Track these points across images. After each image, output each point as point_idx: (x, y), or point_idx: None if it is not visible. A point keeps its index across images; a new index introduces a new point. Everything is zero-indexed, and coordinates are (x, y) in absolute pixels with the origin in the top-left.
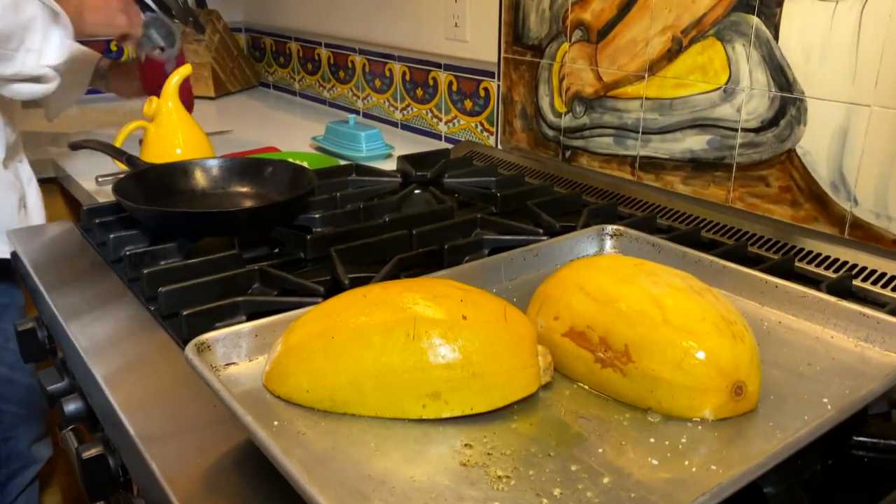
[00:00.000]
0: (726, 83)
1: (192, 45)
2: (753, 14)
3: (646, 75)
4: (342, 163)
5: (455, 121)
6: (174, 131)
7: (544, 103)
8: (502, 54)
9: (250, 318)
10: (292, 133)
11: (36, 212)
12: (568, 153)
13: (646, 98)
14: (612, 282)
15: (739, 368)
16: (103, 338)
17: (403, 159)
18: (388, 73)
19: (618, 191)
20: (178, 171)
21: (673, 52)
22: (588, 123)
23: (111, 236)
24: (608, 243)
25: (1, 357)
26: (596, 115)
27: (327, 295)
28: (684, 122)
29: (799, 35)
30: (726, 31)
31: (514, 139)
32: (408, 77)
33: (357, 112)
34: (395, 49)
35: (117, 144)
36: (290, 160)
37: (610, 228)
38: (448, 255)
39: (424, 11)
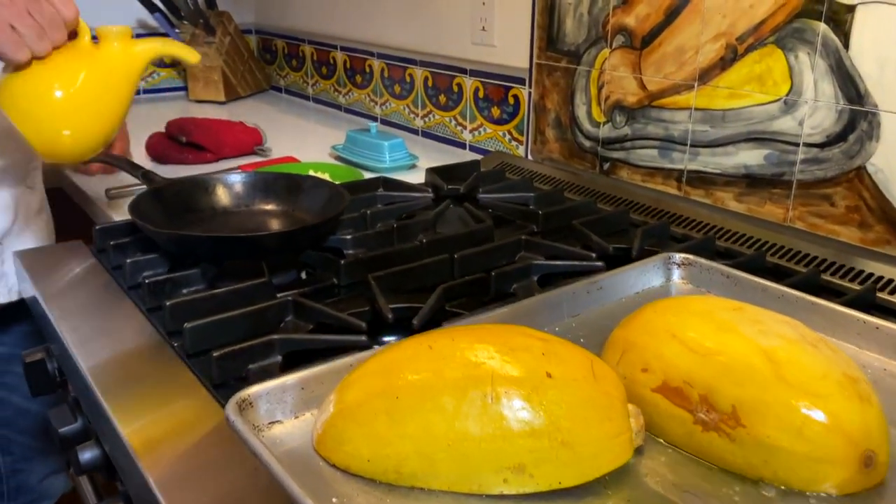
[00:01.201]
0: (787, 94)
1: (202, 48)
2: (820, 20)
3: (695, 84)
4: (366, 175)
5: (481, 129)
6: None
7: (581, 112)
8: (535, 60)
9: (286, 357)
10: (308, 140)
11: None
12: (606, 165)
13: (695, 109)
14: (711, 330)
15: (869, 435)
16: (120, 377)
17: (433, 172)
18: (408, 79)
19: (663, 207)
20: (198, 188)
21: (727, 61)
22: (629, 134)
23: (128, 261)
24: (676, 273)
25: (16, 385)
26: (639, 125)
27: (371, 331)
28: (738, 136)
29: (873, 44)
30: (788, 39)
31: (546, 149)
32: (430, 83)
33: (375, 118)
34: (416, 53)
35: None
36: (316, 174)
37: (678, 257)
38: (495, 283)
39: (449, 15)
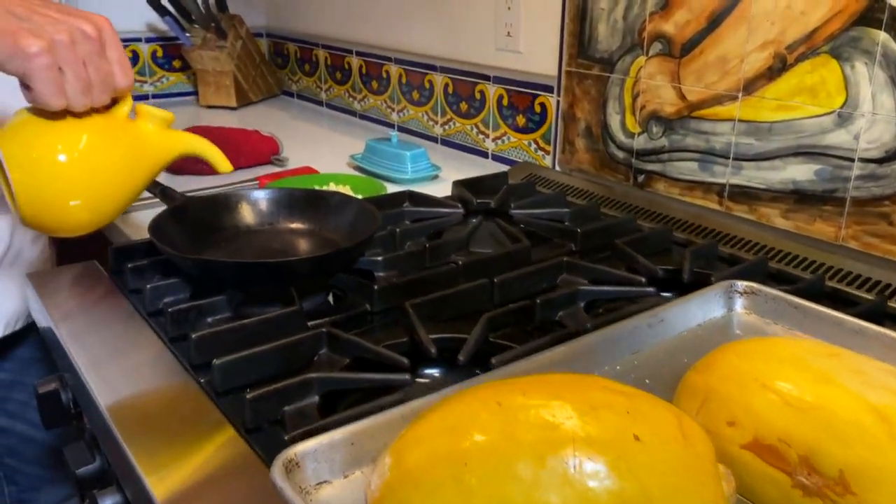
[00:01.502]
0: (842, 107)
1: (213, 52)
2: (880, 29)
3: (739, 95)
4: (387, 187)
5: (504, 138)
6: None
7: (614, 122)
8: (564, 67)
9: (324, 398)
10: (324, 149)
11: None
12: (641, 177)
13: (739, 120)
14: (807, 381)
15: None
16: (143, 416)
17: (460, 185)
18: (427, 85)
19: (703, 222)
20: (221, 206)
21: (775, 71)
22: (667, 146)
23: (148, 287)
24: (738, 303)
25: (20, 413)
26: (677, 136)
27: (413, 366)
28: (786, 149)
29: None
30: (844, 48)
31: (576, 160)
32: (450, 89)
33: (391, 125)
34: (436, 59)
35: None
36: (337, 186)
37: (740, 285)
38: (540, 311)
39: (471, 19)
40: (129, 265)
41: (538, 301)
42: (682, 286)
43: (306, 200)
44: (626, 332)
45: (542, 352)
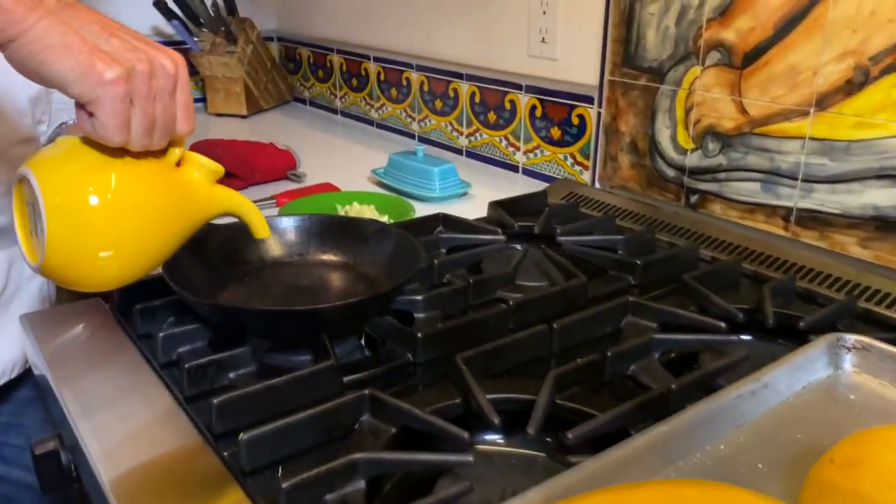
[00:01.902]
0: None
1: (223, 58)
2: None
3: (811, 110)
4: (410, 203)
5: (537, 151)
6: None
7: (663, 137)
8: (607, 77)
9: (371, 484)
10: (342, 161)
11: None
12: (694, 198)
13: (810, 138)
14: None
15: None
16: (150, 492)
17: (498, 207)
18: (452, 94)
19: (766, 249)
20: (244, 235)
21: (855, 84)
22: (724, 164)
23: (160, 335)
24: (846, 360)
25: (16, 458)
26: (736, 154)
27: (462, 426)
28: (867, 171)
29: None
30: None
31: (618, 176)
32: (477, 98)
33: (412, 136)
34: (462, 66)
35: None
36: (361, 206)
37: (849, 340)
38: (611, 365)
39: (502, 24)
40: (139, 306)
41: (609, 354)
42: (761, 328)
43: (339, 229)
44: (729, 404)
45: (639, 435)
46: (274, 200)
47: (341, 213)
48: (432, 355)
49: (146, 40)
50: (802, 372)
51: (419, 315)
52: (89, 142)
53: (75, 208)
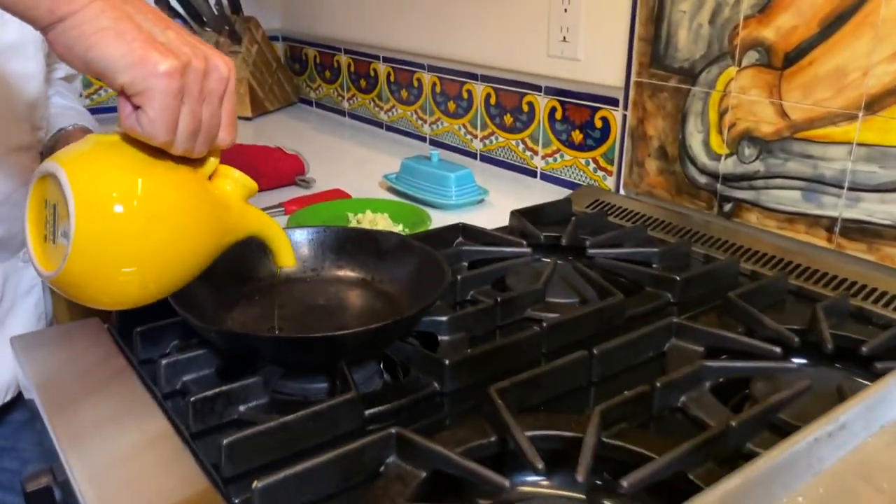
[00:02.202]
0: None
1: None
2: None
3: (860, 114)
4: (431, 214)
5: (557, 155)
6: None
7: (695, 141)
8: (633, 77)
9: None
10: (351, 166)
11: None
12: (727, 206)
13: (857, 144)
14: None
15: None
16: None
17: (520, 216)
18: (465, 95)
19: (810, 263)
20: (254, 250)
21: None
22: (762, 171)
23: (163, 362)
24: None
25: (13, 485)
26: (776, 160)
27: (495, 465)
28: None
29: None
30: None
31: (645, 183)
32: (493, 100)
33: (423, 139)
34: (477, 66)
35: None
36: (375, 214)
37: None
38: (660, 397)
39: (520, 21)
40: (140, 329)
41: (658, 385)
42: (816, 352)
43: (356, 243)
44: (806, 449)
45: (709, 491)
46: (282, 208)
47: (353, 221)
48: (461, 384)
49: (199, 39)
50: (879, 409)
51: (444, 338)
52: (126, 141)
53: (107, 212)
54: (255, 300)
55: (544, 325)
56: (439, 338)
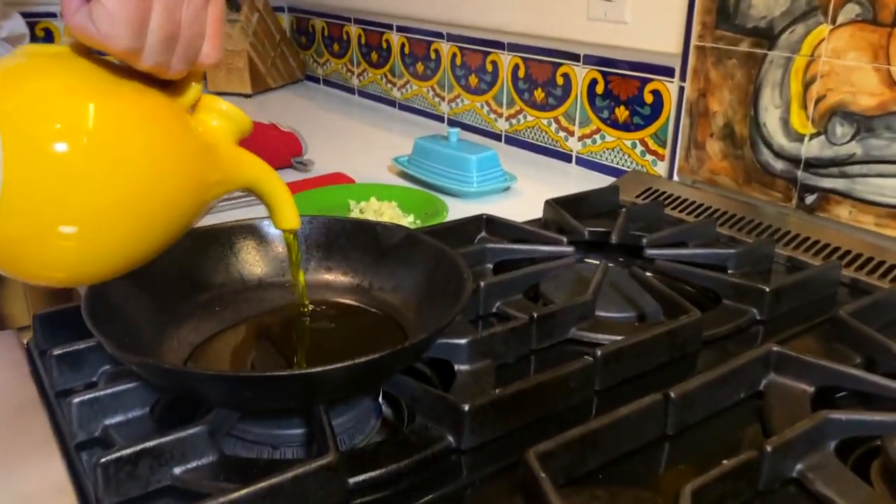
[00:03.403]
0: None
1: (224, 28)
2: None
3: None
4: (448, 203)
5: (596, 136)
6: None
7: (770, 118)
8: (694, 41)
9: None
10: (356, 147)
11: None
12: (810, 198)
13: None
14: None
15: None
16: None
17: (557, 207)
18: (490, 68)
19: None
20: (211, 246)
21: None
22: (859, 154)
23: (75, 401)
24: None
25: None
26: (878, 141)
27: None
28: None
29: None
30: None
31: (706, 169)
32: (521, 72)
33: (441, 118)
34: (503, 34)
35: None
36: (381, 202)
37: None
38: (770, 466)
39: None
40: (57, 351)
41: (768, 450)
42: None
43: (351, 237)
44: None
45: None
46: None
47: (355, 211)
48: (486, 438)
49: None
50: None
51: (462, 367)
52: (76, 52)
53: (45, 151)
54: (213, 312)
55: (598, 354)
56: (456, 367)
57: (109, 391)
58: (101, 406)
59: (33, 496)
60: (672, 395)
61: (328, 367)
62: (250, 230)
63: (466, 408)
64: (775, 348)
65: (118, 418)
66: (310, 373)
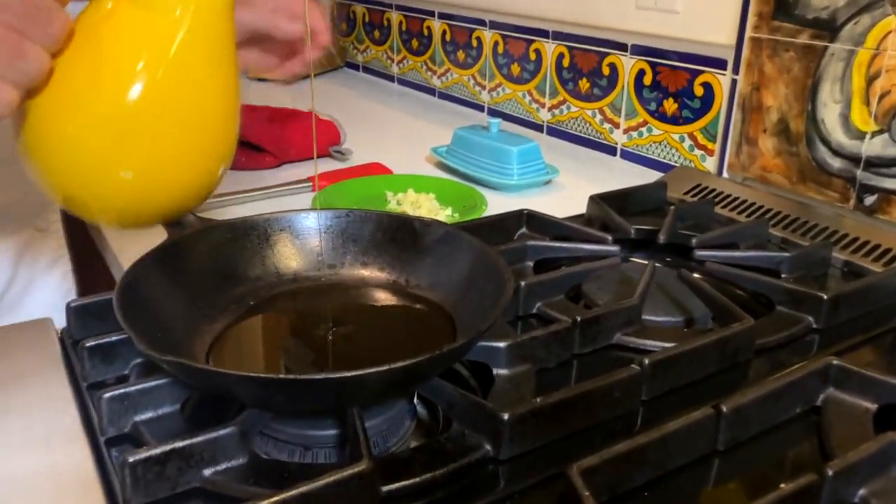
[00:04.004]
0: None
1: None
2: None
3: None
4: (486, 196)
5: (643, 129)
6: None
7: (829, 114)
8: (748, 32)
9: None
10: (395, 137)
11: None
12: (870, 199)
13: None
14: None
15: None
16: None
17: (602, 203)
18: (533, 56)
19: None
20: (246, 239)
21: None
22: None
23: (105, 395)
24: None
25: None
26: None
27: None
28: None
29: None
30: None
31: (757, 166)
32: (566, 62)
33: (481, 108)
34: (548, 21)
35: None
36: (418, 194)
37: None
38: (832, 489)
39: None
40: (89, 343)
41: (829, 474)
42: None
43: (390, 232)
44: None
45: None
46: (309, 184)
47: (392, 203)
48: (525, 448)
49: None
50: None
51: (501, 371)
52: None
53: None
54: (248, 306)
55: (647, 362)
56: (495, 371)
57: (139, 387)
58: (132, 402)
59: (60, 489)
60: (724, 408)
61: (361, 372)
62: (286, 222)
63: (506, 416)
64: (835, 361)
65: (148, 414)
66: (343, 377)
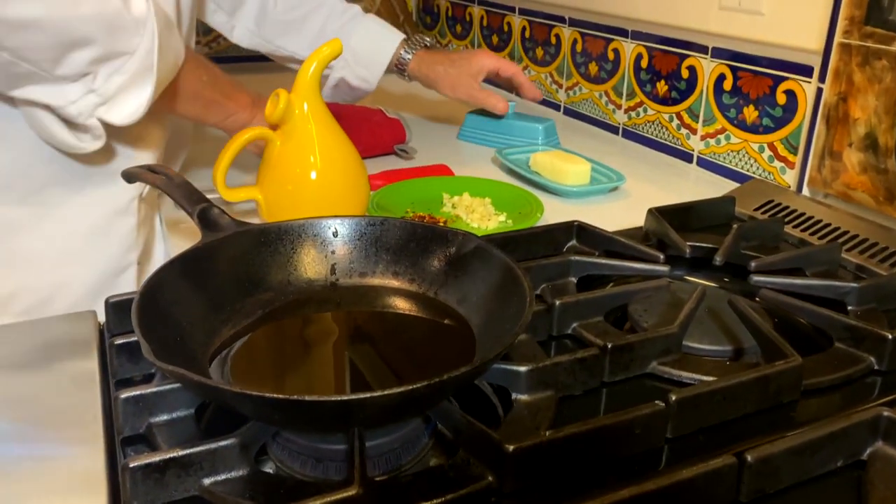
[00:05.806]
0: None
1: None
2: None
3: None
4: (544, 202)
5: (721, 137)
6: (308, 146)
7: None
8: (837, 38)
9: None
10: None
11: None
12: None
13: None
14: None
15: None
16: None
17: (660, 217)
18: (611, 56)
19: None
20: (271, 245)
21: None
22: None
23: (122, 396)
24: None
25: None
26: None
27: None
28: None
29: None
30: None
31: (841, 182)
32: (644, 62)
33: (557, 107)
34: (627, 21)
35: (222, 165)
36: (473, 199)
37: None
38: None
39: None
40: (118, 340)
41: None
42: None
43: (421, 242)
44: None
45: None
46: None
47: (448, 205)
48: (531, 482)
49: None
50: None
51: (521, 396)
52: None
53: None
54: (269, 314)
55: (672, 398)
56: (514, 396)
57: (155, 389)
58: (147, 404)
59: (69, 483)
60: (748, 458)
61: (362, 396)
62: (319, 228)
63: (510, 449)
64: (885, 413)
65: (163, 417)
66: (342, 400)
